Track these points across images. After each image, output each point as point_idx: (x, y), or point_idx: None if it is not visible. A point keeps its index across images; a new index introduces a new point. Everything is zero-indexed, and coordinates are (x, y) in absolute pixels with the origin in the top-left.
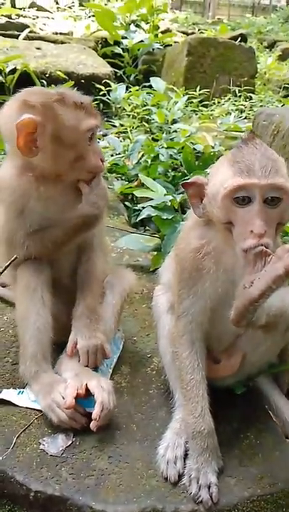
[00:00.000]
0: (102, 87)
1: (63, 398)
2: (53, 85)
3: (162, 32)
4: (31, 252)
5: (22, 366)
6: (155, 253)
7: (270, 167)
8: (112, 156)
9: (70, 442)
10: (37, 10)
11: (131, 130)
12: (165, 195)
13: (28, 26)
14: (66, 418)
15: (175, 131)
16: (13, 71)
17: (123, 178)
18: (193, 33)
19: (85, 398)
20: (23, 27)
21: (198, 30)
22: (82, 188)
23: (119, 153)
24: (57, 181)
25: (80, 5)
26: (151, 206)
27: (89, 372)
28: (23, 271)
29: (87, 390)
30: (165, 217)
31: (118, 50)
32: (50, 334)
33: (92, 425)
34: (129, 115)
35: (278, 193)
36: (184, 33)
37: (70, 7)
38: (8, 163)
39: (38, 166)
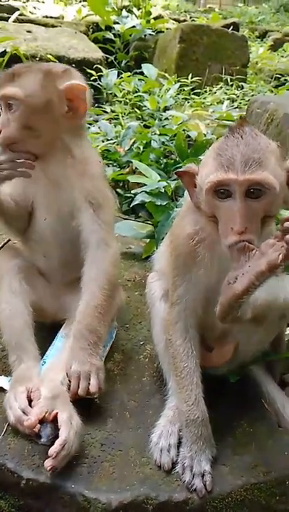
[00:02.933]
0: (94, 72)
1: (16, 401)
2: None
3: (154, 18)
4: None
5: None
6: (148, 240)
7: (252, 160)
8: (103, 142)
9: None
10: None
11: (122, 116)
12: (159, 181)
13: (17, 9)
14: (13, 420)
15: (167, 118)
16: (3, 54)
17: (114, 164)
18: (184, 21)
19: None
20: (13, 10)
21: (190, 17)
22: None
23: (110, 139)
24: None
25: None
26: (145, 192)
27: (66, 402)
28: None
29: (54, 418)
30: (159, 204)
31: (110, 35)
32: (23, 322)
33: (47, 463)
34: (120, 101)
35: (260, 187)
36: (175, 20)
37: None
38: None
39: None
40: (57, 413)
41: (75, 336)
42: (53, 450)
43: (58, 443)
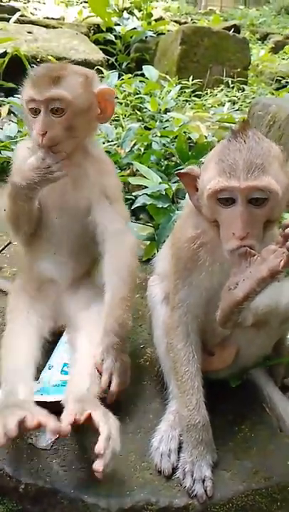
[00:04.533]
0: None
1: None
2: None
3: (155, 20)
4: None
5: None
6: (148, 243)
7: (255, 166)
8: (103, 143)
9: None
10: None
11: (123, 118)
12: (160, 183)
13: (18, 10)
14: None
15: (168, 120)
16: (4, 55)
17: (115, 166)
18: (185, 23)
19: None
20: (13, 11)
21: (191, 20)
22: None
23: (111, 141)
24: None
25: None
26: (146, 194)
27: (96, 402)
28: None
29: (88, 419)
30: (160, 206)
31: (111, 36)
32: (28, 355)
33: (96, 465)
34: (121, 103)
35: (263, 194)
36: (176, 22)
37: None
38: (28, 140)
39: None
40: (90, 413)
41: (106, 330)
42: (99, 447)
43: (101, 439)
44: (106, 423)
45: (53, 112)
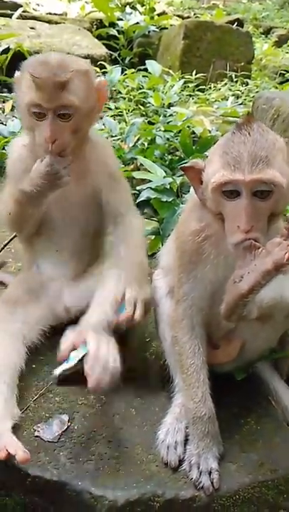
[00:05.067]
0: (97, 69)
1: None
2: None
3: (158, 14)
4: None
5: None
6: (153, 237)
7: (259, 159)
8: (107, 138)
9: (66, 427)
10: None
11: (127, 113)
12: (164, 177)
13: (21, 6)
14: None
15: (171, 114)
16: (7, 50)
17: (119, 161)
18: (188, 17)
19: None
20: (16, 6)
21: (194, 14)
22: (36, 162)
23: (115, 136)
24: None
25: None
26: (151, 188)
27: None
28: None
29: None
30: (164, 200)
31: (113, 31)
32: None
33: (89, 384)
34: (124, 98)
35: (267, 187)
36: (179, 16)
37: None
38: (23, 137)
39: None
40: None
41: (126, 267)
42: (87, 367)
43: (89, 358)
44: (96, 343)
45: (60, 116)
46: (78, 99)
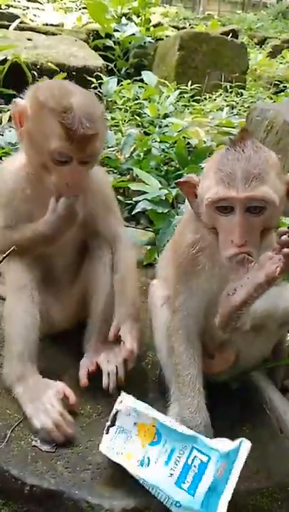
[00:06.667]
0: (94, 80)
1: (52, 406)
2: (45, 77)
3: (154, 26)
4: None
5: (7, 366)
6: (149, 247)
7: (253, 176)
8: (103, 149)
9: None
10: (27, 0)
11: (123, 123)
12: (160, 188)
13: (18, 17)
14: (51, 425)
15: (167, 125)
16: (4, 62)
17: (115, 171)
18: (184, 28)
19: None
20: (13, 17)
21: (189, 25)
22: (50, 203)
23: (111, 147)
24: (44, 184)
25: None
26: (147, 200)
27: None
28: (14, 267)
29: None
30: (160, 211)
31: (110, 42)
32: (37, 333)
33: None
34: (120, 108)
35: (260, 203)
36: (174, 27)
37: None
38: (18, 155)
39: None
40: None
41: (121, 303)
42: (104, 383)
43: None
44: (107, 367)
45: (81, 164)
46: (100, 145)
